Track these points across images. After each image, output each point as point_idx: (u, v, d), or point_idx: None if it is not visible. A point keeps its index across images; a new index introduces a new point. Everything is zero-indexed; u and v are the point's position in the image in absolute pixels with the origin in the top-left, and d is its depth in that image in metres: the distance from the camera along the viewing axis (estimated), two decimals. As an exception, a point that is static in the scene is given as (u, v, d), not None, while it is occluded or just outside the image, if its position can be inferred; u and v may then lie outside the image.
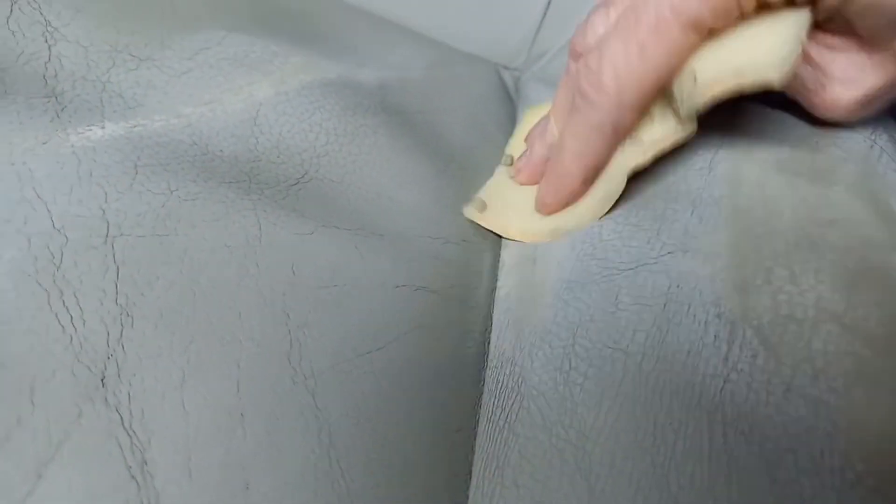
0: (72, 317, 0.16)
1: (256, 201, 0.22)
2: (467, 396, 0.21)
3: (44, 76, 0.22)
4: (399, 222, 0.25)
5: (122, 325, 0.17)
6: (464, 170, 0.29)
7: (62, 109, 0.21)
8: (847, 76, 0.21)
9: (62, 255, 0.18)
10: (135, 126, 0.22)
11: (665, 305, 0.19)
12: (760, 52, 0.18)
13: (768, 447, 0.14)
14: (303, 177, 0.24)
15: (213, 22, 0.27)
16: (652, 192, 0.23)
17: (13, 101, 0.20)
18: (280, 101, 0.26)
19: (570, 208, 0.24)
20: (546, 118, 0.26)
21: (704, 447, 0.15)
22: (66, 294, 0.17)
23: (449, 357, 0.21)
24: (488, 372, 0.21)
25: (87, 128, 0.21)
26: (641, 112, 0.21)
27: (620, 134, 0.22)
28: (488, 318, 0.24)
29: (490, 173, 0.30)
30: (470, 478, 0.19)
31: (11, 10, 0.21)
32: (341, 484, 0.17)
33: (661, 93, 0.21)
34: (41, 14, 0.23)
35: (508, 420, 0.19)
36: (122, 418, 0.15)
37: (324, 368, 0.19)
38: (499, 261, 0.26)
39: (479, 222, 0.26)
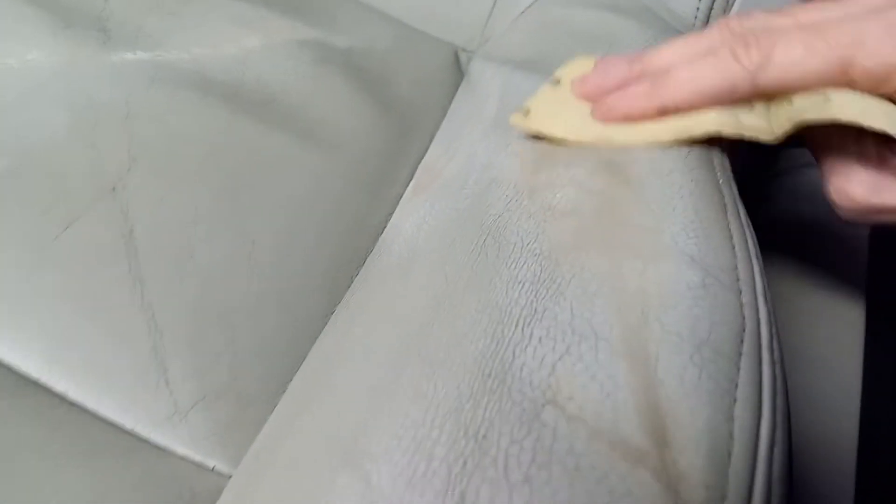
0: (99, 152, 0.27)
1: (233, 110, 0.32)
2: (362, 252, 0.30)
3: (99, 17, 0.32)
4: (339, 137, 0.34)
5: (129, 163, 0.27)
6: (402, 113, 0.38)
7: (108, 39, 0.32)
8: (874, 181, 0.23)
9: (96, 123, 0.28)
10: (157, 55, 0.32)
11: (489, 184, 0.28)
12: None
13: (507, 247, 0.23)
14: (272, 101, 0.34)
15: (223, -9, 0.37)
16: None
17: (75, 31, 0.31)
18: (264, 49, 0.36)
19: (627, 124, 0.25)
20: (640, 52, 0.27)
21: (475, 246, 0.24)
22: (99, 140, 0.27)
23: (352, 227, 0.31)
24: (383, 236, 0.31)
25: (124, 53, 0.32)
26: (759, 97, 0.23)
27: (728, 100, 0.23)
28: (396, 200, 0.33)
29: (424, 121, 0.39)
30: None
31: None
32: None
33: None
34: (102, -23, 0.34)
35: (379, 258, 0.28)
36: (121, 209, 0.25)
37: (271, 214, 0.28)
38: (421, 160, 0.35)
39: (522, 126, 0.27)
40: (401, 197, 0.34)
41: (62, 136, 0.27)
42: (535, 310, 0.20)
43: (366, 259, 0.29)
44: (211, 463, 0.22)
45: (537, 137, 0.28)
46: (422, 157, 0.38)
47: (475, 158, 0.32)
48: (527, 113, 0.28)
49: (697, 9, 0.39)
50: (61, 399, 0.21)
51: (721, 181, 0.26)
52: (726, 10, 0.39)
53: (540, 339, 0.19)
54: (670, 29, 0.38)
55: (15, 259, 0.23)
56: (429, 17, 0.47)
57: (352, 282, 0.28)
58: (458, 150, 0.35)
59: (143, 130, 0.29)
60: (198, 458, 0.22)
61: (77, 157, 0.27)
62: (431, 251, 0.26)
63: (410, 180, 0.36)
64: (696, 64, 0.23)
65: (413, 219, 0.30)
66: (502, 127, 0.33)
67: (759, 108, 0.23)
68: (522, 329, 0.20)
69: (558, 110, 0.27)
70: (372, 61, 0.41)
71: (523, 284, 0.21)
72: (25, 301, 0.22)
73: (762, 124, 0.23)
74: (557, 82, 0.29)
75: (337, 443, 0.19)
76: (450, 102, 0.43)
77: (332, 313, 0.26)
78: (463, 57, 0.47)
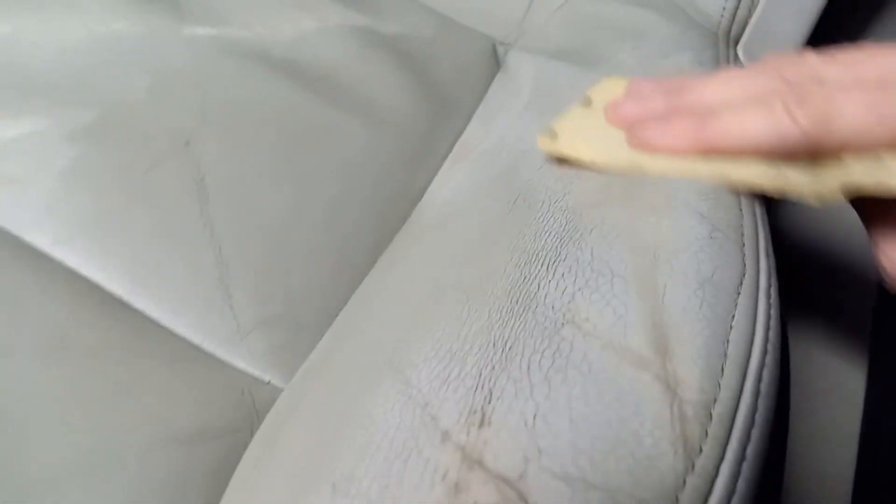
0: (175, 111, 0.30)
1: (292, 83, 0.35)
2: (404, 213, 0.33)
3: (174, -5, 0.36)
4: (385, 113, 0.37)
5: (201, 123, 0.30)
6: (442, 96, 0.41)
7: (181, 15, 0.35)
8: None
9: (172, 86, 0.31)
10: (223, 31, 0.36)
11: (521, 154, 0.31)
12: None
13: (536, 204, 0.26)
14: (326, 77, 0.37)
15: (282, -22, 0.40)
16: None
17: (153, 6, 0.35)
18: (319, 31, 0.39)
19: (661, 156, 0.24)
20: (683, 80, 0.25)
21: (506, 204, 0.27)
22: (175, 100, 0.30)
23: (395, 192, 0.34)
24: (423, 201, 0.34)
25: (195, 27, 0.35)
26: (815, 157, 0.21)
27: (777, 156, 0.21)
28: (435, 171, 0.36)
29: (462, 104, 0.42)
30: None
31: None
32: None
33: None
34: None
35: (420, 217, 0.31)
36: (194, 160, 0.29)
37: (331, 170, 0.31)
38: (458, 139, 0.38)
39: (549, 150, 0.26)
40: (439, 169, 0.37)
41: (143, 96, 0.30)
42: (560, 253, 0.23)
43: (407, 219, 0.32)
44: (267, 377, 0.25)
45: (563, 161, 0.26)
46: (459, 136, 0.41)
47: (509, 135, 0.35)
48: (554, 136, 0.26)
49: (724, 8, 0.41)
50: (141, 314, 0.25)
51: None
52: (752, 9, 0.42)
53: (563, 274, 0.22)
54: (695, 25, 0.40)
55: (108, 195, 0.26)
56: (469, 11, 0.50)
57: (393, 237, 0.31)
58: (494, 130, 0.38)
59: (212, 95, 0.32)
60: (256, 372, 0.25)
61: (156, 114, 0.30)
62: (467, 210, 0.29)
63: (448, 155, 0.39)
64: (745, 113, 0.22)
65: (450, 185, 0.33)
66: (535, 108, 0.36)
67: (806, 164, 0.22)
68: (547, 267, 0.23)
69: (589, 133, 0.26)
70: (416, 48, 0.44)
71: (550, 233, 0.24)
72: (115, 231, 0.26)
73: (809, 184, 0.21)
74: (589, 103, 0.28)
75: (380, 357, 0.22)
76: (486, 90, 0.46)
77: (375, 262, 0.29)
78: (500, 49, 0.50)
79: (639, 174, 0.24)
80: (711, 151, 0.23)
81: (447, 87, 0.43)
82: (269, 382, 0.24)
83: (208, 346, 0.25)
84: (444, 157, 0.38)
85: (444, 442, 0.18)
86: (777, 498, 0.38)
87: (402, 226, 0.32)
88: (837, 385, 0.47)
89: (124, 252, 0.26)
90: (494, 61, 0.49)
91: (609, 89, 0.28)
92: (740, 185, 0.23)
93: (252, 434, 0.22)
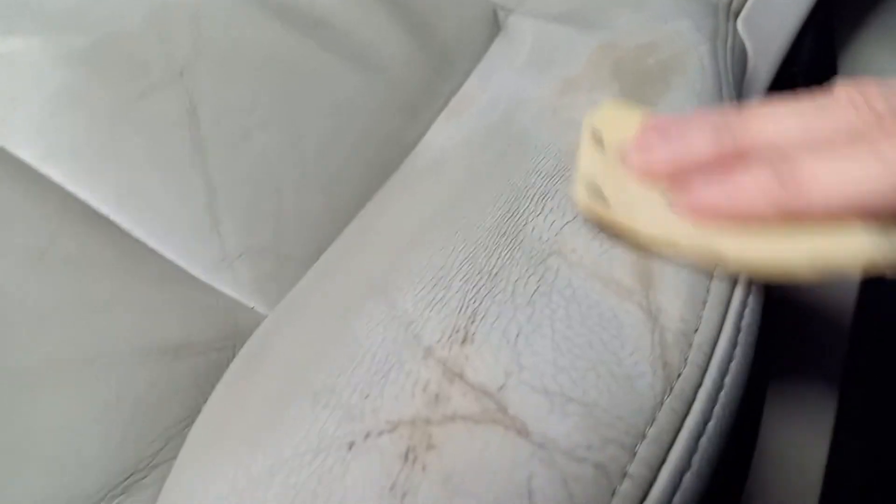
0: (170, 43, 0.30)
1: (288, 25, 0.35)
2: (397, 160, 0.33)
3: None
4: (380, 62, 0.37)
5: (196, 56, 0.30)
6: (440, 52, 0.41)
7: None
8: None
9: (168, 19, 0.31)
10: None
11: (517, 105, 0.31)
12: None
13: (529, 150, 0.26)
14: (322, 22, 0.37)
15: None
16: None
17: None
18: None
19: (736, 232, 0.18)
20: (725, 113, 0.20)
21: (499, 150, 0.27)
22: (169, 37, 0.30)
23: (388, 139, 0.34)
24: (416, 149, 0.34)
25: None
26: None
27: (887, 215, 0.17)
28: (430, 124, 0.36)
29: (459, 62, 0.42)
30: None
31: None
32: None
33: None
34: None
35: (413, 162, 0.31)
36: (187, 90, 0.28)
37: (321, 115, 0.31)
38: (456, 94, 0.38)
39: (602, 217, 0.20)
40: (434, 121, 0.37)
41: (138, 26, 0.30)
42: (549, 190, 0.23)
43: (399, 166, 0.32)
44: (251, 304, 0.25)
45: (605, 227, 0.20)
46: (456, 92, 0.40)
47: (506, 89, 0.35)
48: (597, 195, 0.19)
49: (723, -21, 0.41)
50: (127, 234, 0.25)
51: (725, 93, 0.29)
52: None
53: (551, 209, 0.22)
54: (697, -6, 0.40)
55: (98, 118, 0.26)
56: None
57: (385, 181, 0.31)
58: (491, 85, 0.38)
59: (208, 31, 0.32)
60: (240, 298, 0.25)
61: (150, 44, 0.30)
62: (461, 155, 0.29)
63: (444, 109, 0.38)
64: (841, 158, 0.17)
65: (445, 134, 0.33)
66: (534, 65, 0.36)
67: None
68: (536, 203, 0.23)
69: (626, 187, 0.20)
70: (416, 5, 0.43)
71: (540, 174, 0.24)
72: (104, 153, 0.26)
73: None
74: (601, 141, 0.21)
75: (367, 282, 0.22)
76: (485, 51, 0.46)
77: (365, 203, 0.29)
78: (501, 14, 0.50)
79: (711, 258, 0.19)
80: (796, 217, 0.17)
81: (446, 44, 0.43)
82: (252, 308, 0.24)
83: (193, 269, 0.24)
84: (440, 111, 0.38)
85: (426, 357, 0.18)
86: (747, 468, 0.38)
87: (394, 171, 0.32)
88: (813, 370, 0.47)
89: (113, 173, 0.25)
90: (495, 24, 0.49)
91: (617, 122, 0.22)
92: (847, 263, 0.17)
93: (234, 354, 0.22)
